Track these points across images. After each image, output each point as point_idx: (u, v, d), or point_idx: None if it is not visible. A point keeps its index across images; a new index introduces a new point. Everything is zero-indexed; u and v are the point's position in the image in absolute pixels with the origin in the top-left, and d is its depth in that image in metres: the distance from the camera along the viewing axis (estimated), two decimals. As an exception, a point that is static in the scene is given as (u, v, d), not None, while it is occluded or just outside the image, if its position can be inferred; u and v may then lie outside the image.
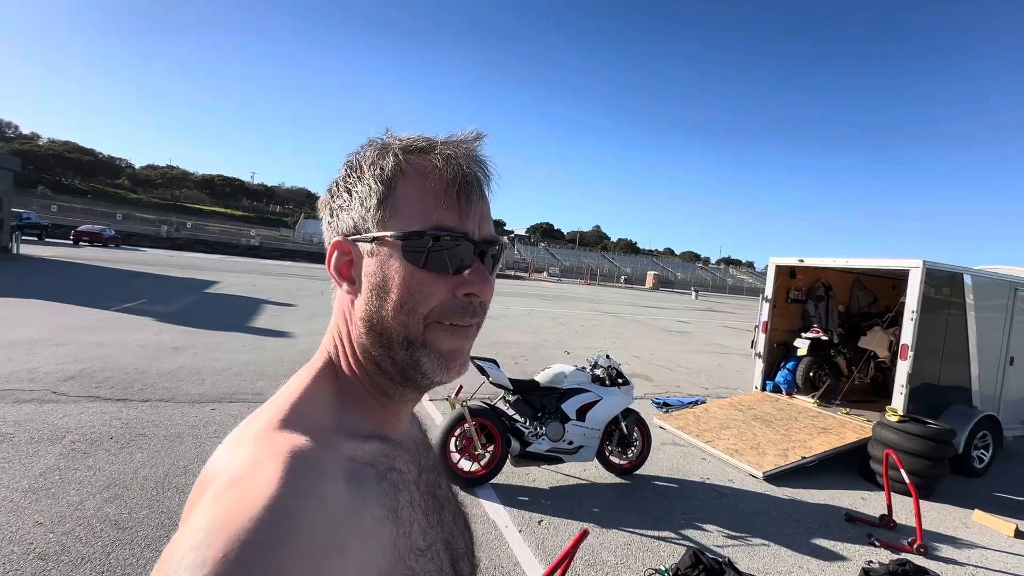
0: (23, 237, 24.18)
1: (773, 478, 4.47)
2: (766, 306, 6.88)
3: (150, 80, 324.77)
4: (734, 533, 3.51)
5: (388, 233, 0.48)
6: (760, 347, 6.87)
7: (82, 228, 30.53)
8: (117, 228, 35.76)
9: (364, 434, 0.49)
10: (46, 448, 3.58)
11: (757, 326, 6.99)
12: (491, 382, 3.87)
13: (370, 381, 0.51)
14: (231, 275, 19.73)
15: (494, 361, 3.89)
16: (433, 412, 5.36)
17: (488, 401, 3.98)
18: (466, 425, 3.63)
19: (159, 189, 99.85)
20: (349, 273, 0.51)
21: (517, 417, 3.95)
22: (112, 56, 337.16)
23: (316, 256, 46.92)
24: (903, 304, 5.33)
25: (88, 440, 3.79)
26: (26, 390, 4.70)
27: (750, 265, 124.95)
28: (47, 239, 29.86)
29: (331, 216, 0.52)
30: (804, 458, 4.67)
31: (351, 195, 0.50)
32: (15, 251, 20.14)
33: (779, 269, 6.98)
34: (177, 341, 7.44)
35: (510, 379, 3.89)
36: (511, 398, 3.93)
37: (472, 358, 3.85)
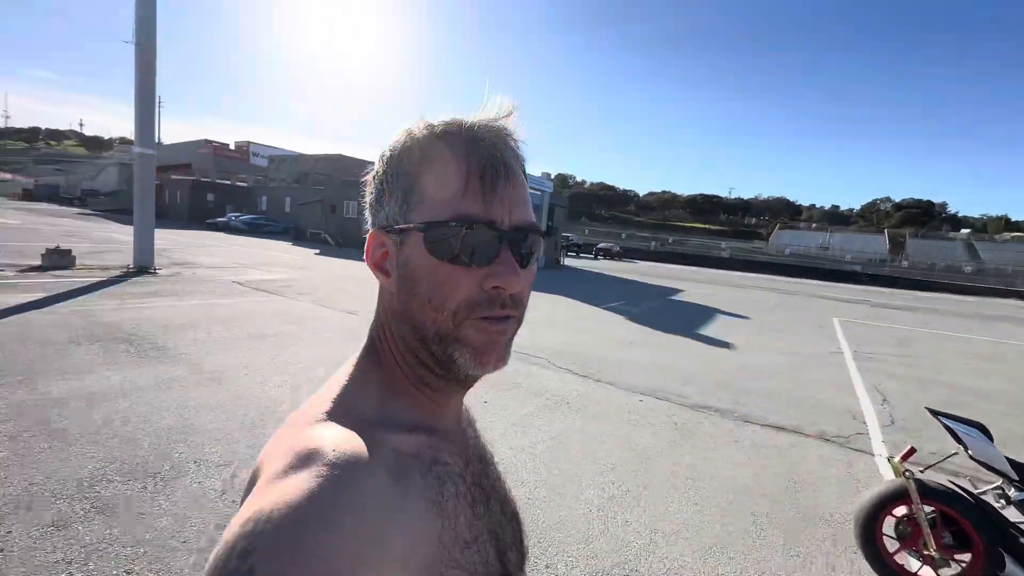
0: (568, 253, 34.77)
1: None
2: None
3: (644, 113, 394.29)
4: None
5: (411, 224, 0.47)
6: None
7: (600, 245, 40.92)
8: (622, 245, 45.72)
9: (409, 426, 0.49)
10: (531, 399, 5.09)
11: None
12: (972, 457, 2.54)
13: (412, 372, 0.51)
14: (695, 285, 21.32)
15: (980, 426, 2.53)
16: (883, 469, 4.02)
17: (959, 484, 2.62)
18: (912, 506, 2.54)
19: (655, 211, 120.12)
20: (384, 265, 0.51)
21: (1028, 527, 2.41)
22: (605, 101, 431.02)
23: (783, 268, 43.80)
24: None
25: (554, 401, 5.09)
26: (537, 357, 6.79)
27: None
28: (581, 254, 41.71)
29: (368, 207, 0.53)
30: None
31: (382, 186, 0.51)
32: (561, 263, 29.27)
33: None
34: (634, 337, 8.79)
35: (1011, 460, 2.42)
36: (1014, 493, 2.44)
37: (941, 414, 2.66)
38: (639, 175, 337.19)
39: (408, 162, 0.48)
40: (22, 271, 9.46)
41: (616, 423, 4.63)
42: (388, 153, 0.51)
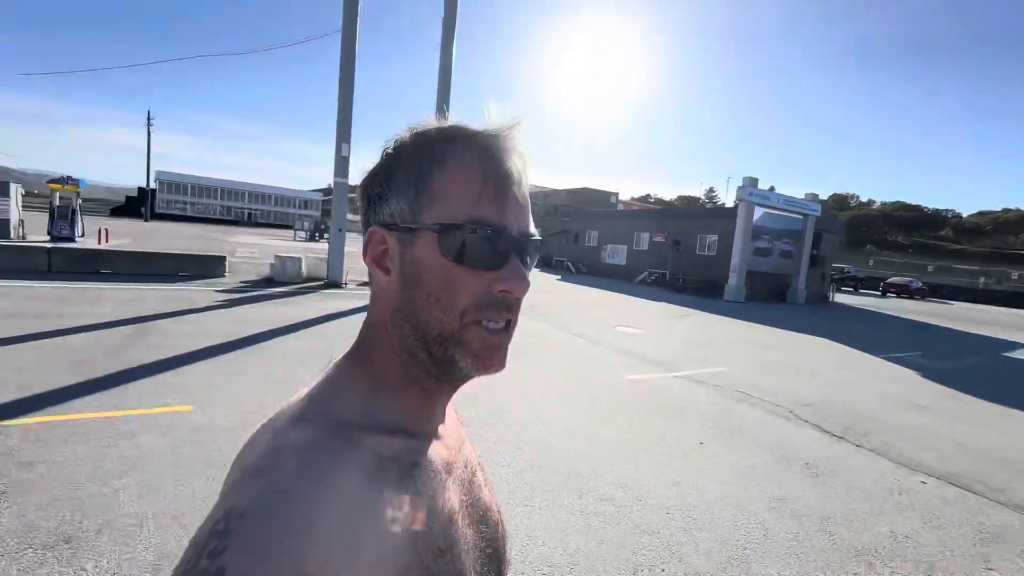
0: (841, 288, 28.73)
1: None
2: None
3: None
4: None
5: (425, 225, 0.47)
6: None
7: (890, 280, 32.45)
8: (926, 280, 35.22)
9: (391, 428, 0.48)
10: (758, 451, 4.41)
11: None
12: None
13: (405, 372, 0.50)
14: (1058, 340, 14.84)
15: None
16: None
17: None
18: None
19: (987, 236, 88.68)
20: (384, 262, 0.50)
21: None
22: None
23: None
24: None
25: (788, 458, 4.30)
26: (776, 405, 5.85)
27: None
28: (861, 290, 33.80)
29: (368, 204, 0.52)
30: None
31: (388, 184, 0.50)
32: (831, 299, 24.34)
33: None
34: (929, 399, 6.71)
35: None
36: None
37: None
38: (958, 190, 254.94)
39: (419, 163, 0.48)
40: (359, 284, 13.23)
41: (876, 503, 3.63)
42: (394, 152, 0.50)
